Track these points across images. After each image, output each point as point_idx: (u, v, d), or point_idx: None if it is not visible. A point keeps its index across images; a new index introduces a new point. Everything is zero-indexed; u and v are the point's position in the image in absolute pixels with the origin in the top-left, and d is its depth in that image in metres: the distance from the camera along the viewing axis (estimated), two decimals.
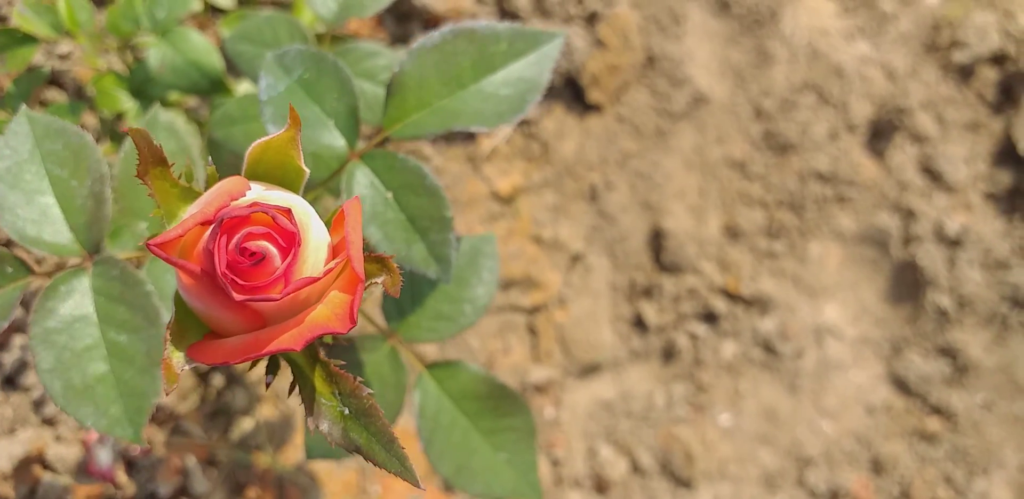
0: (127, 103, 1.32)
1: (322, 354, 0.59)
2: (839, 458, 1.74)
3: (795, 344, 1.77)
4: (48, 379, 0.78)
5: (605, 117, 1.81)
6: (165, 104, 1.35)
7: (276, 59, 0.87)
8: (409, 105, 0.87)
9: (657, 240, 1.79)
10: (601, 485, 1.69)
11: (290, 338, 0.51)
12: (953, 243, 1.76)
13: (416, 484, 0.55)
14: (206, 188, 0.61)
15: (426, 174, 0.85)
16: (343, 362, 0.58)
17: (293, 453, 1.55)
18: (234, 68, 1.48)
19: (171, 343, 0.55)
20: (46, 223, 0.82)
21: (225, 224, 0.52)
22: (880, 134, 1.82)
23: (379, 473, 1.58)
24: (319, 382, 0.58)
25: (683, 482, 1.71)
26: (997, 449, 1.73)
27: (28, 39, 1.24)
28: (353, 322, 0.51)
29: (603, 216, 1.79)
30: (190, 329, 0.57)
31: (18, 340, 1.44)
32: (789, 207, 1.80)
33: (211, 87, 1.26)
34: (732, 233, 1.80)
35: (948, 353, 1.76)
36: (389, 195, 0.85)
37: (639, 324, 1.78)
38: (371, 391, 0.57)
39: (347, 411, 0.57)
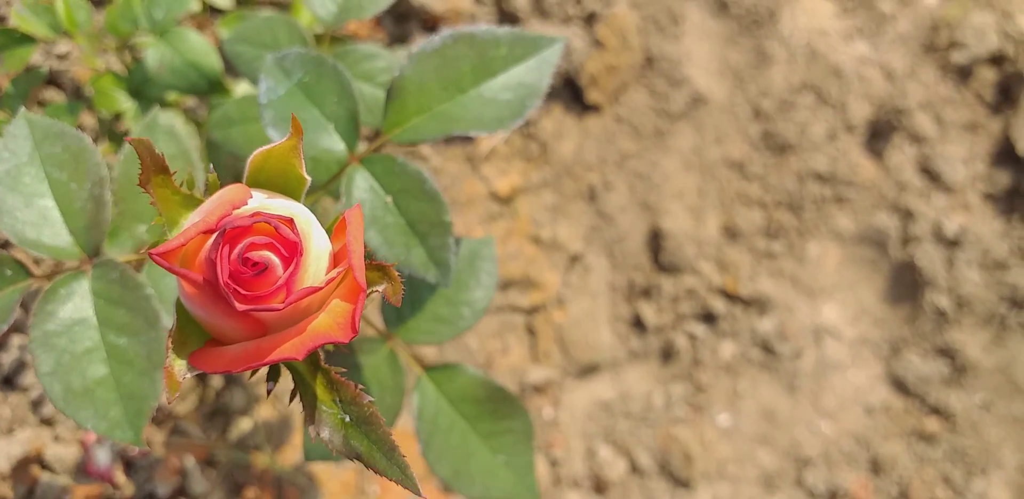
0: (125, 103, 1.32)
1: (323, 361, 0.59)
2: (838, 458, 1.75)
3: (794, 344, 1.77)
4: (48, 382, 0.78)
5: (604, 117, 1.81)
6: (163, 104, 1.35)
7: (276, 62, 0.87)
8: (409, 110, 0.87)
9: (656, 240, 1.79)
10: (600, 485, 1.70)
11: (292, 347, 0.51)
12: (952, 243, 1.77)
13: (417, 492, 0.55)
14: (206, 193, 0.61)
15: (425, 178, 0.85)
16: (344, 369, 0.58)
17: (291, 453, 1.55)
18: (232, 68, 1.48)
19: (173, 351, 0.55)
20: (45, 226, 0.82)
21: (227, 234, 0.52)
22: (879, 134, 1.82)
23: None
24: (320, 389, 0.58)
25: (682, 482, 1.71)
26: (995, 449, 1.73)
27: (26, 39, 1.24)
28: (355, 331, 0.51)
29: (602, 216, 1.79)
30: (191, 336, 0.57)
31: (16, 340, 1.44)
32: (788, 207, 1.80)
33: (209, 87, 1.26)
34: (731, 233, 1.80)
35: (947, 353, 1.76)
36: (389, 199, 0.85)
37: (638, 324, 1.78)
38: (372, 399, 0.57)
39: (348, 419, 0.57)
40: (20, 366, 1.42)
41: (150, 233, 0.95)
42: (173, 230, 0.59)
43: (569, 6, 1.79)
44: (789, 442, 1.75)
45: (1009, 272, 1.76)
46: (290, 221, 0.53)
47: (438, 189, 0.84)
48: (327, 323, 0.52)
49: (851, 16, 1.87)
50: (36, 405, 1.42)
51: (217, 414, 1.54)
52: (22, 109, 0.83)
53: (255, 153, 0.59)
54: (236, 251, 0.52)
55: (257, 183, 0.61)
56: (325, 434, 0.57)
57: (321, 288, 0.52)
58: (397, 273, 0.57)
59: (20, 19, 1.24)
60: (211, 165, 0.62)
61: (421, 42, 0.88)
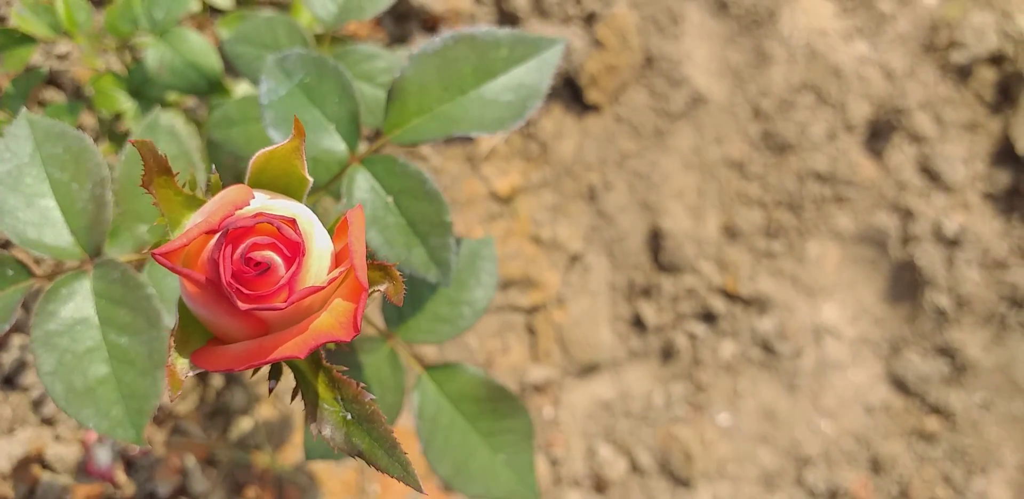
0: (125, 103, 1.32)
1: (325, 360, 0.59)
2: (838, 457, 1.75)
3: (794, 344, 1.77)
4: (50, 381, 0.78)
5: (603, 117, 1.81)
6: (163, 104, 1.35)
7: (277, 63, 0.87)
8: (410, 110, 0.87)
9: (656, 240, 1.79)
10: (600, 485, 1.70)
11: (294, 346, 0.52)
12: (951, 243, 1.77)
13: (419, 489, 0.56)
14: (208, 193, 0.61)
15: (426, 179, 0.85)
16: (345, 368, 0.59)
17: (292, 453, 1.55)
18: (232, 69, 1.48)
19: (175, 349, 0.56)
20: (47, 226, 0.82)
21: (230, 234, 0.52)
22: (878, 134, 1.83)
23: (378, 473, 1.58)
24: (322, 388, 0.59)
25: (682, 482, 1.71)
26: (995, 448, 1.74)
27: (26, 39, 1.24)
28: (357, 330, 0.52)
29: (602, 216, 1.79)
30: (194, 335, 0.58)
31: (17, 340, 1.44)
32: (787, 207, 1.81)
33: (209, 88, 1.26)
34: (731, 233, 1.80)
35: (947, 353, 1.76)
36: (390, 199, 0.86)
37: (638, 324, 1.79)
38: (373, 397, 0.57)
39: (349, 416, 0.58)
40: (21, 366, 1.43)
41: (151, 233, 0.95)
42: (175, 230, 0.59)
43: (569, 6, 1.79)
44: (789, 441, 1.75)
45: (1009, 271, 1.76)
46: (292, 221, 0.53)
47: (439, 189, 0.85)
48: (329, 322, 0.53)
49: (851, 16, 1.87)
50: (37, 405, 1.43)
51: (218, 413, 1.54)
52: (23, 109, 0.83)
53: (257, 154, 0.59)
54: (239, 251, 0.52)
55: (259, 184, 0.61)
56: (327, 432, 0.58)
57: (323, 288, 0.52)
58: (399, 274, 0.57)
59: (20, 19, 1.24)
60: (213, 166, 0.62)
61: (422, 43, 0.88)
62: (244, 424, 1.55)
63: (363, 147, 0.89)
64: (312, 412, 0.58)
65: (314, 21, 1.36)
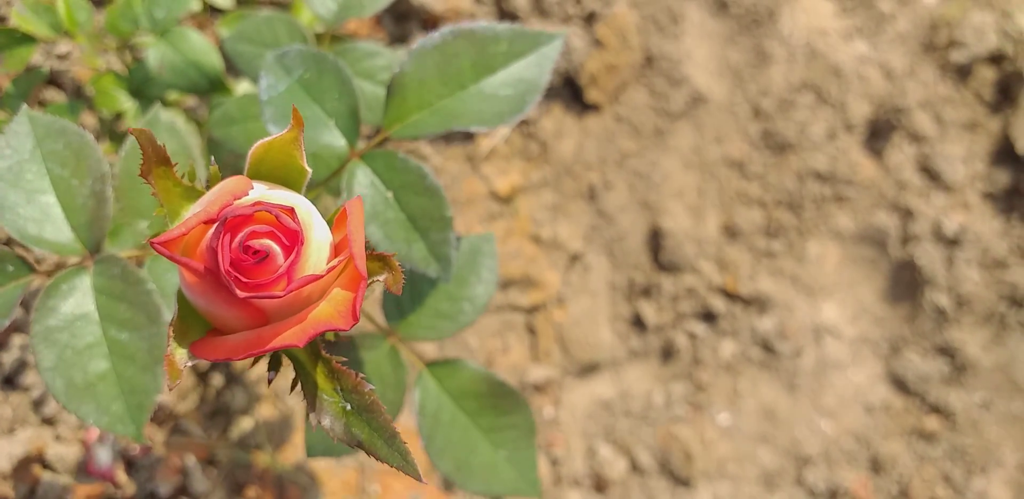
0: (126, 103, 1.32)
1: (324, 351, 0.59)
2: (838, 457, 1.75)
3: (794, 343, 1.77)
4: (50, 377, 0.78)
5: (603, 117, 1.81)
6: (164, 104, 1.35)
7: (277, 59, 0.87)
8: (409, 105, 0.87)
9: (656, 239, 1.79)
10: (600, 484, 1.70)
11: (293, 335, 0.52)
12: (951, 242, 1.77)
13: (418, 478, 0.56)
14: (208, 187, 0.61)
15: (426, 174, 0.85)
16: (344, 358, 0.59)
17: (292, 452, 1.55)
18: (233, 68, 1.48)
19: (174, 340, 0.56)
20: (47, 222, 0.82)
21: (229, 222, 0.52)
22: (878, 134, 1.83)
23: (378, 472, 1.58)
24: (321, 378, 0.59)
25: (682, 481, 1.71)
26: (995, 448, 1.74)
27: (27, 39, 1.25)
28: (356, 319, 0.52)
29: (602, 216, 1.79)
30: (193, 326, 0.58)
31: (17, 340, 1.44)
32: (787, 206, 1.81)
33: (210, 87, 1.27)
34: (731, 232, 1.80)
35: (946, 352, 1.76)
36: (389, 195, 0.86)
37: (638, 323, 1.79)
38: (372, 387, 0.57)
39: (349, 407, 0.58)
40: (21, 366, 1.43)
41: (151, 229, 0.95)
42: (174, 221, 0.60)
43: (569, 5, 1.79)
44: (789, 441, 1.75)
45: (1008, 271, 1.76)
46: (291, 210, 0.53)
47: (439, 184, 0.85)
48: (328, 311, 0.53)
49: (850, 15, 1.87)
50: (37, 405, 1.43)
51: (218, 413, 1.54)
52: (24, 106, 0.84)
53: (256, 144, 0.59)
54: (237, 239, 0.52)
55: (258, 175, 0.61)
56: (326, 422, 0.58)
57: (322, 276, 0.52)
58: (398, 265, 0.57)
59: (21, 19, 1.24)
60: (212, 157, 0.63)
61: (421, 39, 0.88)
62: (244, 424, 1.55)
63: (362, 144, 0.89)
64: (312, 403, 0.58)
65: (315, 20, 1.36)
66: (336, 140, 0.87)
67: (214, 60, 1.25)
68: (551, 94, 1.81)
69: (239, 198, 0.53)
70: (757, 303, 1.78)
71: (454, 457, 0.97)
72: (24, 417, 1.42)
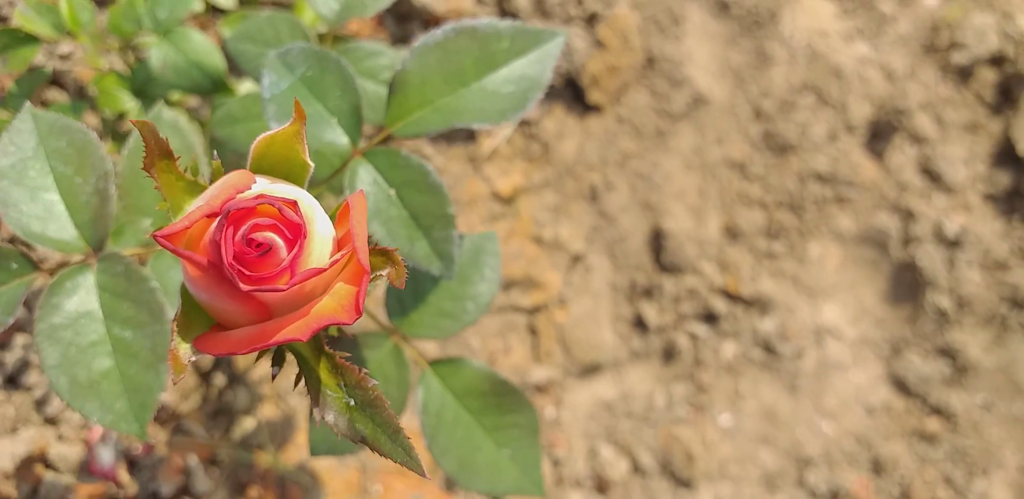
0: (129, 103, 1.32)
1: (327, 347, 0.59)
2: (839, 458, 1.75)
3: (795, 344, 1.78)
4: (54, 375, 0.78)
5: (605, 118, 1.82)
6: (167, 104, 1.35)
7: (279, 57, 0.87)
8: (412, 103, 0.87)
9: (657, 240, 1.79)
10: (602, 485, 1.70)
11: (296, 329, 0.52)
12: (952, 244, 1.77)
13: (421, 473, 0.56)
14: (211, 183, 0.61)
15: (429, 171, 0.85)
16: (348, 354, 0.59)
17: (295, 452, 1.55)
18: (235, 68, 1.49)
19: (178, 335, 0.56)
20: (51, 220, 0.82)
21: (232, 216, 0.52)
22: (879, 135, 1.83)
23: (380, 472, 1.58)
24: (324, 374, 0.59)
25: (683, 482, 1.71)
26: (997, 449, 1.74)
27: (30, 39, 1.25)
28: (359, 313, 0.52)
29: (603, 216, 1.79)
30: (196, 321, 0.58)
31: (20, 339, 1.45)
32: (789, 208, 1.81)
33: (213, 87, 1.27)
34: (732, 233, 1.80)
35: (948, 354, 1.76)
36: (392, 192, 0.86)
37: (639, 324, 1.79)
38: (376, 382, 0.57)
39: (353, 402, 0.58)
40: (24, 365, 1.43)
41: (155, 226, 0.95)
42: (177, 215, 0.60)
43: (570, 6, 1.79)
44: (790, 442, 1.75)
45: (1010, 272, 1.76)
46: (294, 203, 0.53)
47: (441, 182, 0.85)
48: (331, 305, 0.53)
49: (851, 17, 1.87)
50: (40, 404, 1.43)
51: (220, 413, 1.54)
52: (27, 104, 0.84)
53: (259, 139, 0.59)
54: (240, 232, 0.52)
55: (260, 169, 0.61)
56: (330, 418, 0.58)
57: (325, 270, 0.53)
58: (400, 257, 0.57)
59: (23, 19, 1.24)
60: (215, 152, 0.63)
61: (423, 36, 0.88)
62: (247, 424, 1.55)
63: (364, 143, 0.89)
64: (315, 398, 0.58)
65: (317, 20, 1.36)
66: (339, 138, 0.87)
67: (216, 60, 1.25)
68: (553, 95, 1.81)
69: (242, 192, 0.54)
70: (758, 304, 1.78)
71: (457, 456, 0.97)
72: (27, 416, 1.42)
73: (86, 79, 1.54)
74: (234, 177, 0.55)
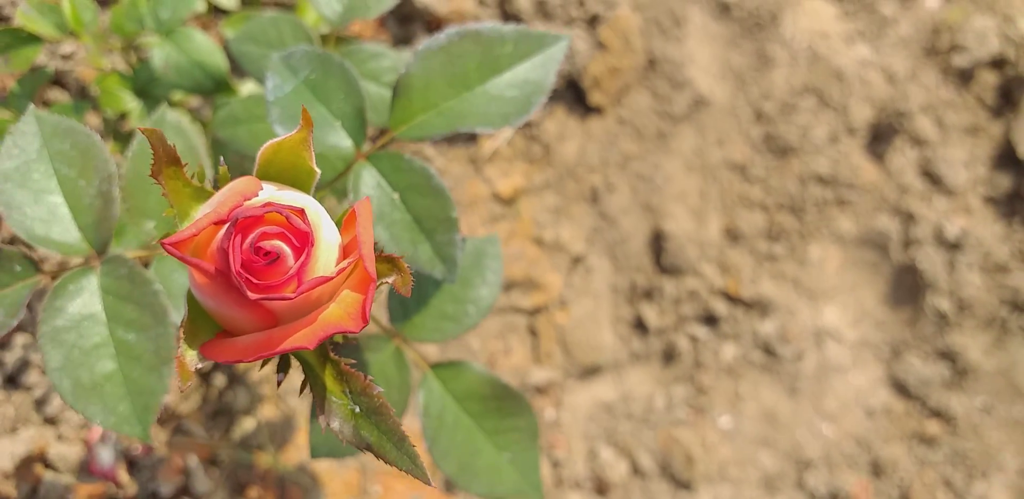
0: (131, 103, 1.32)
1: (332, 353, 0.59)
2: (839, 461, 1.75)
3: (795, 347, 1.78)
4: (57, 377, 0.78)
5: (606, 119, 1.82)
6: (169, 104, 1.35)
7: (283, 60, 0.87)
8: (415, 106, 0.87)
9: (658, 242, 1.79)
10: (601, 487, 1.70)
11: (303, 337, 0.52)
12: (953, 246, 1.77)
13: (427, 482, 0.56)
14: (217, 188, 0.61)
15: (432, 175, 0.85)
16: (353, 360, 0.59)
17: (295, 453, 1.56)
18: (237, 68, 1.48)
19: (184, 341, 0.56)
20: (54, 222, 0.82)
21: (240, 224, 0.52)
22: (880, 137, 1.83)
23: (380, 473, 1.58)
24: (330, 381, 0.59)
25: (683, 484, 1.71)
26: (996, 452, 1.74)
27: (32, 39, 1.24)
28: (365, 321, 0.52)
29: (604, 218, 1.79)
30: (202, 328, 0.58)
31: (20, 339, 1.45)
32: (789, 210, 1.81)
33: (215, 87, 1.27)
34: (732, 235, 1.80)
35: (948, 356, 1.77)
36: (396, 196, 0.86)
37: (639, 326, 1.79)
38: (381, 390, 0.57)
39: (358, 409, 0.58)
40: (24, 365, 1.43)
41: (158, 229, 0.95)
42: (184, 222, 0.60)
43: (572, 8, 1.79)
44: (790, 444, 1.75)
45: (1010, 275, 1.76)
46: (301, 211, 0.53)
47: (445, 185, 0.85)
48: (338, 313, 0.53)
49: (852, 19, 1.87)
50: (40, 404, 1.43)
51: (220, 414, 1.54)
52: (31, 106, 0.84)
53: (265, 145, 0.60)
54: (248, 240, 0.52)
55: (267, 176, 0.61)
56: (335, 425, 0.58)
57: (332, 277, 0.53)
58: (406, 265, 0.57)
59: (26, 19, 1.24)
60: (222, 158, 0.63)
61: (427, 40, 0.88)
62: (247, 424, 1.55)
63: (367, 147, 0.89)
64: (321, 405, 0.58)
65: (320, 20, 1.36)
66: (342, 141, 0.87)
67: (219, 60, 1.25)
68: (554, 96, 1.81)
69: (249, 199, 0.54)
70: (758, 306, 1.78)
71: (458, 459, 0.97)
72: (26, 416, 1.42)
73: (88, 79, 1.54)
74: (241, 184, 0.55)
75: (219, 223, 0.52)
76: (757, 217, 1.81)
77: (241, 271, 0.52)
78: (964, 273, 1.75)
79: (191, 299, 0.58)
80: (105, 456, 1.39)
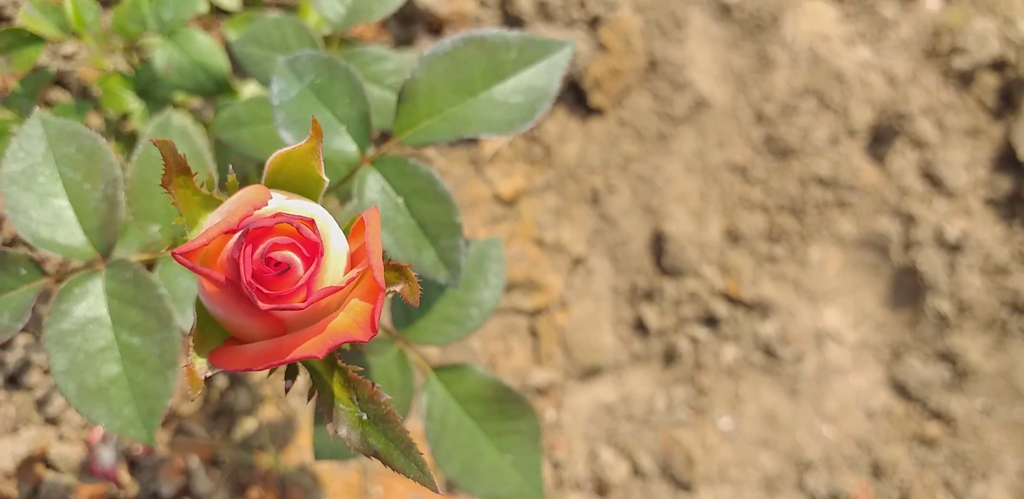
0: (132, 103, 1.32)
1: (340, 361, 0.60)
2: (839, 462, 1.75)
3: (795, 348, 1.78)
4: (62, 380, 0.78)
5: (607, 121, 1.82)
6: (173, 105, 1.35)
7: (288, 64, 0.88)
8: (420, 112, 0.87)
9: (658, 243, 1.80)
10: (602, 488, 1.70)
11: (312, 346, 0.52)
12: (953, 248, 1.77)
13: (434, 489, 0.56)
14: (225, 193, 0.61)
15: (436, 180, 0.86)
16: (361, 368, 0.59)
17: (296, 453, 1.56)
18: (239, 69, 1.49)
19: (193, 349, 0.56)
20: (59, 225, 0.82)
21: (250, 234, 0.53)
22: (881, 139, 1.83)
23: (381, 474, 1.58)
24: (337, 388, 0.59)
25: (683, 485, 1.71)
26: (996, 454, 1.74)
27: (34, 39, 1.25)
28: (375, 330, 0.52)
29: (605, 219, 1.79)
30: (211, 335, 0.58)
31: (21, 340, 1.45)
32: (790, 211, 1.81)
33: (217, 88, 1.27)
34: (733, 237, 1.81)
35: (948, 358, 1.77)
36: (400, 201, 0.86)
37: (640, 327, 1.79)
38: (389, 397, 0.57)
39: (365, 416, 0.58)
40: (25, 365, 1.43)
41: (163, 233, 0.95)
42: (192, 230, 0.60)
43: (573, 10, 1.79)
44: (790, 446, 1.76)
45: (1010, 277, 1.76)
46: (311, 222, 0.53)
47: (449, 190, 0.85)
48: (347, 322, 0.53)
49: (853, 21, 1.88)
50: (41, 404, 1.43)
51: (221, 414, 1.55)
52: (37, 109, 0.84)
53: (275, 155, 0.60)
54: (259, 251, 0.53)
55: (275, 184, 0.62)
56: (343, 432, 0.58)
57: (341, 288, 0.53)
58: (415, 275, 0.58)
59: (28, 19, 1.24)
60: (231, 166, 0.63)
61: (432, 45, 0.89)
62: (248, 425, 1.55)
63: (371, 151, 0.90)
64: (328, 412, 0.58)
65: (322, 22, 1.36)
66: (347, 146, 0.87)
67: (220, 62, 1.25)
68: (555, 98, 1.81)
69: (258, 208, 0.54)
70: (759, 308, 1.79)
71: (460, 461, 0.97)
72: (27, 416, 1.42)
73: (90, 79, 1.54)
74: (250, 193, 0.55)
75: (229, 233, 0.52)
76: (758, 219, 1.81)
77: (252, 281, 0.52)
78: (964, 275, 1.76)
79: (200, 307, 0.58)
80: (106, 456, 1.40)
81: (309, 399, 0.59)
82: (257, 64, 1.13)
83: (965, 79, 1.83)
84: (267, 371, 1.37)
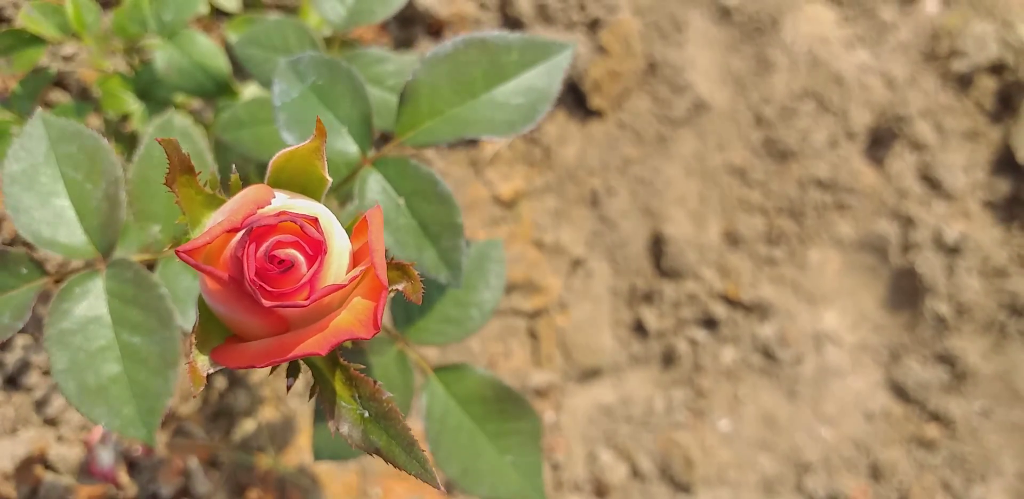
0: (133, 105, 1.32)
1: (341, 358, 0.60)
2: (838, 464, 1.75)
3: (794, 350, 1.78)
4: (63, 379, 0.78)
5: (606, 123, 1.82)
6: (170, 106, 1.35)
7: (290, 65, 0.88)
8: (422, 113, 0.88)
9: (657, 246, 1.80)
10: (601, 490, 1.70)
11: (315, 343, 0.52)
12: (952, 251, 1.77)
13: (437, 486, 0.56)
14: (228, 193, 0.61)
15: (437, 180, 0.86)
16: (363, 366, 0.59)
17: (295, 455, 1.56)
18: (240, 71, 1.49)
19: (195, 347, 0.56)
20: (61, 225, 0.82)
21: (254, 232, 0.53)
22: (879, 142, 1.83)
23: (380, 475, 1.58)
24: (339, 386, 0.59)
25: (682, 487, 1.72)
26: (995, 456, 1.74)
27: (35, 40, 1.25)
28: (377, 328, 0.52)
29: (604, 221, 1.79)
30: (213, 333, 0.58)
31: (20, 340, 1.45)
32: (789, 214, 1.81)
33: (217, 89, 1.27)
34: (732, 239, 1.81)
35: (946, 360, 1.77)
36: (401, 201, 0.86)
37: (639, 329, 1.79)
38: (391, 395, 0.57)
39: (367, 414, 0.58)
40: (24, 366, 1.43)
41: (164, 233, 0.96)
42: (195, 229, 0.60)
43: (573, 12, 1.80)
44: (789, 448, 1.76)
45: (1009, 280, 1.76)
46: (314, 220, 0.54)
47: (450, 191, 0.85)
48: (349, 320, 0.53)
49: (852, 24, 1.88)
50: (40, 405, 1.43)
51: (221, 415, 1.55)
52: (39, 109, 0.84)
53: (278, 154, 0.60)
54: (262, 249, 0.53)
55: (278, 183, 0.62)
56: (344, 429, 0.58)
57: (345, 285, 0.53)
58: (417, 274, 0.58)
59: (29, 20, 1.24)
60: (233, 166, 0.63)
61: (433, 47, 0.89)
62: (247, 426, 1.55)
63: (372, 152, 0.90)
64: (330, 410, 0.59)
65: (322, 24, 1.36)
66: (349, 147, 0.87)
67: (221, 63, 1.25)
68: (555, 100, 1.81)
69: (262, 207, 0.54)
70: (758, 310, 1.79)
71: (460, 461, 0.97)
72: (26, 417, 1.42)
73: (90, 80, 1.54)
74: (253, 192, 0.55)
75: (233, 231, 0.52)
76: (757, 221, 1.81)
77: (255, 279, 0.52)
78: (963, 277, 1.76)
79: (202, 305, 0.58)
80: (105, 457, 1.40)
81: (310, 397, 0.59)
82: (258, 65, 1.13)
83: (964, 82, 1.83)
84: (267, 371, 1.37)
